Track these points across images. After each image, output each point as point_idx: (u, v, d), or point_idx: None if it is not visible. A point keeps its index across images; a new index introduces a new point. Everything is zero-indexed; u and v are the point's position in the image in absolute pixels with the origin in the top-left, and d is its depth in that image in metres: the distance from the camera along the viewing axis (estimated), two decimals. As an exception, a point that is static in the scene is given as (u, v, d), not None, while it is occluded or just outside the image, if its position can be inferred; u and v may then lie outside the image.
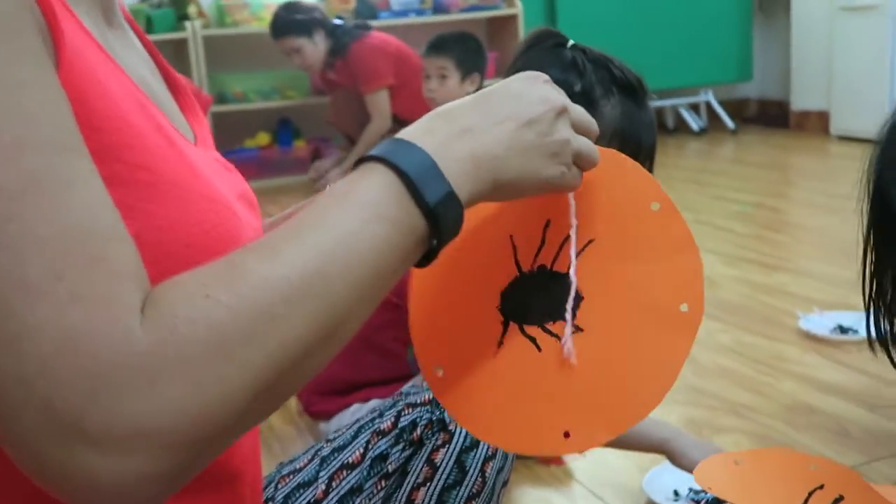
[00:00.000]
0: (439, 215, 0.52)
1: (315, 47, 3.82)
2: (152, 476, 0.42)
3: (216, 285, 0.45)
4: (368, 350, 1.56)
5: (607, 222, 0.63)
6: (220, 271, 0.46)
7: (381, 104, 3.83)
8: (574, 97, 1.38)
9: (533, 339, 0.63)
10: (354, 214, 0.50)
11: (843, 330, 1.93)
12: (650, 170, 1.35)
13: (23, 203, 0.42)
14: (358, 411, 1.56)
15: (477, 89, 2.57)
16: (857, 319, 1.96)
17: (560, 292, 0.63)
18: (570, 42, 1.36)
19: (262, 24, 4.13)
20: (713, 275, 2.47)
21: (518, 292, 0.64)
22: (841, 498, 0.93)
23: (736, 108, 5.14)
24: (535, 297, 0.64)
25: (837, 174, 3.86)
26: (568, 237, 0.63)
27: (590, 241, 0.63)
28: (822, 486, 0.93)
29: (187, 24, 4.17)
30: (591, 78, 1.30)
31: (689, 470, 1.34)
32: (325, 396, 1.61)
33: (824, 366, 1.81)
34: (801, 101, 4.78)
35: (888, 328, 1.09)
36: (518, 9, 4.59)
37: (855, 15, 4.25)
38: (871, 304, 1.11)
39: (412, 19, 4.50)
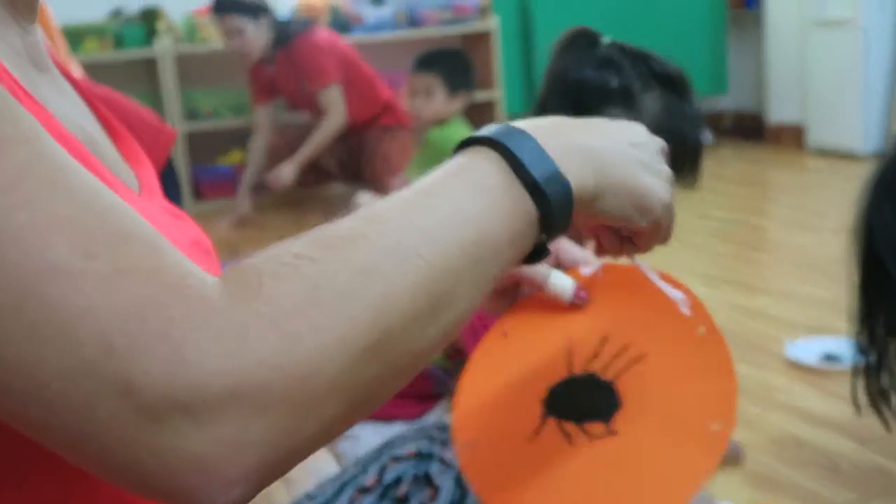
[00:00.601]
0: (546, 193, 0.50)
1: (258, 32, 3.65)
2: (253, 442, 0.38)
3: (306, 246, 0.43)
4: None
5: (658, 341, 0.65)
6: (311, 234, 0.44)
7: (335, 99, 3.70)
8: (612, 93, 1.35)
9: (567, 435, 0.65)
10: (459, 185, 0.49)
11: (829, 358, 1.91)
12: (696, 169, 1.29)
13: (24, 192, 0.38)
14: (379, 430, 1.48)
15: (465, 106, 2.50)
16: (843, 346, 1.95)
17: (602, 398, 0.65)
18: (607, 39, 1.32)
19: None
20: (696, 298, 2.46)
21: (564, 391, 0.66)
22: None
23: (711, 121, 5.15)
24: (579, 399, 0.66)
25: (814, 189, 3.87)
26: (621, 353, 0.65)
27: (642, 356, 0.65)
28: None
29: (157, 40, 4.11)
30: (629, 73, 1.28)
31: None
32: None
33: (812, 396, 1.80)
34: (776, 114, 4.80)
35: (879, 387, 1.06)
36: (493, 23, 4.57)
37: (828, 29, 4.27)
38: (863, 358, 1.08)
39: (386, 34, 4.46)
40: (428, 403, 1.51)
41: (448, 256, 0.46)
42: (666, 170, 0.59)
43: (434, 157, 3.04)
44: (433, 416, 1.50)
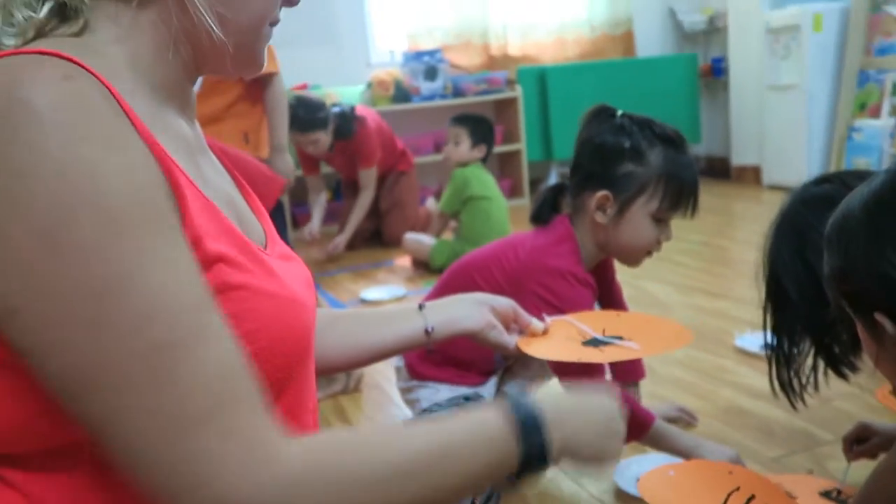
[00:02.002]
0: (531, 467, 0.58)
1: (328, 137, 3.60)
2: None
3: (353, 457, 0.51)
4: None
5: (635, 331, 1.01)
6: (365, 439, 0.54)
7: (371, 178, 3.71)
8: (625, 152, 1.42)
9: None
10: (469, 432, 0.56)
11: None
12: (695, 204, 1.35)
13: (186, 351, 0.45)
14: (452, 389, 1.48)
15: (483, 157, 2.59)
16: (780, 338, 1.96)
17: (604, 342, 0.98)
18: (620, 112, 1.38)
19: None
20: (669, 301, 2.48)
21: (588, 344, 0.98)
22: (753, 497, 0.95)
23: (689, 164, 5.12)
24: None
25: (768, 217, 3.84)
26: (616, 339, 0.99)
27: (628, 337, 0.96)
28: (738, 489, 0.95)
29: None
30: (637, 136, 1.34)
31: None
32: (423, 361, 1.51)
33: (754, 376, 1.82)
34: (739, 157, 4.78)
35: (788, 378, 1.07)
36: (518, 93, 4.64)
37: (779, 92, 4.26)
38: (773, 357, 1.09)
39: (437, 102, 4.56)
40: (486, 377, 1.52)
41: (441, 482, 0.53)
42: (620, 429, 0.67)
43: (455, 189, 3.15)
44: (488, 387, 1.52)
